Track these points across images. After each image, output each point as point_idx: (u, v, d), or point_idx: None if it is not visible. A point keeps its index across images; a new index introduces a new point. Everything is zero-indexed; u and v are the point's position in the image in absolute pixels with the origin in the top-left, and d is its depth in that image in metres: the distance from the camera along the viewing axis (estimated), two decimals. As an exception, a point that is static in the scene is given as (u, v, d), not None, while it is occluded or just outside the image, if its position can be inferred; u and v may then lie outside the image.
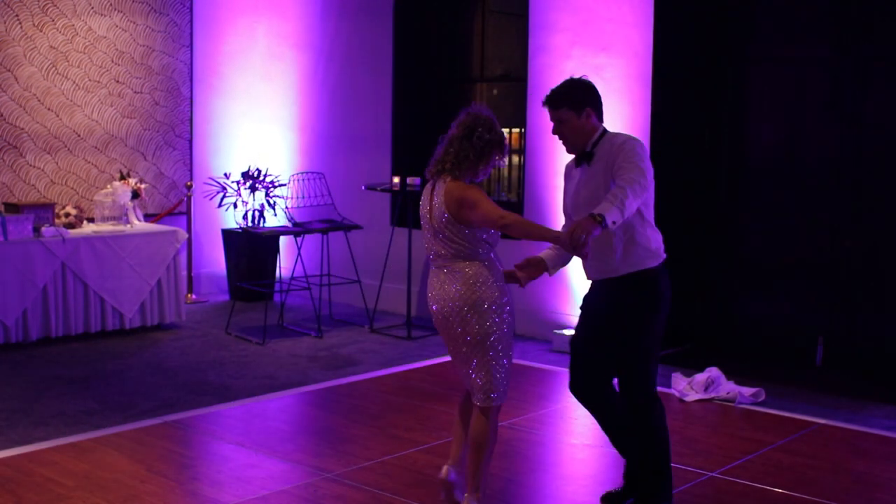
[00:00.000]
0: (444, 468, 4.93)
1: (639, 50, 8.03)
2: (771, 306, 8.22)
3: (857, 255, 7.76)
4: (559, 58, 8.44)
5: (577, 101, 4.82)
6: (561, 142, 4.90)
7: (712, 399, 6.97)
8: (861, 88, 7.69)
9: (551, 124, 4.89)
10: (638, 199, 4.50)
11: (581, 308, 4.99)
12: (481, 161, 4.72)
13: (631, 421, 4.91)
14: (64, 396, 6.86)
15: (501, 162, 4.83)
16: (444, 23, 9.72)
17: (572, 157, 4.93)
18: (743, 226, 8.36)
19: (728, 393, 6.97)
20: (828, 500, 5.26)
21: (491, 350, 4.68)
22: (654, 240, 4.86)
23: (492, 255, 4.76)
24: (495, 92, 9.68)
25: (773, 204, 8.18)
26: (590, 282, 4.94)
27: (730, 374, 7.18)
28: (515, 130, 9.32)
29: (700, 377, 7.09)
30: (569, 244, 4.28)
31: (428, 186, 4.88)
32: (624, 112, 8.09)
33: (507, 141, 4.82)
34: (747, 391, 6.98)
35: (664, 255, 4.88)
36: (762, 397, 6.98)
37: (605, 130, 4.88)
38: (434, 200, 4.74)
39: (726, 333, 8.41)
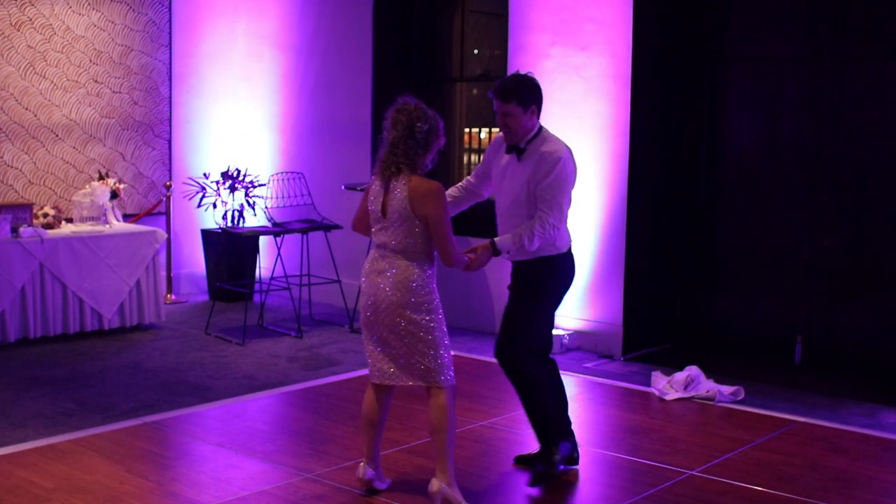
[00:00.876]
0: (361, 466, 5.23)
1: (618, 49, 8.04)
2: (750, 305, 8.26)
3: (836, 254, 7.80)
4: (539, 57, 8.45)
5: (526, 97, 5.16)
6: (501, 131, 5.27)
7: (692, 398, 6.99)
8: (838, 87, 7.73)
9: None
10: (545, 238, 5.15)
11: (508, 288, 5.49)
12: (428, 152, 4.96)
13: (547, 387, 5.47)
14: (42, 398, 6.83)
15: (441, 143, 5.04)
16: (424, 22, 9.72)
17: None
18: (722, 224, 8.39)
19: (707, 391, 6.99)
20: (806, 497, 5.28)
21: (430, 336, 4.99)
22: (561, 239, 5.31)
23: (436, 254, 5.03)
24: (475, 92, 9.69)
25: (751, 203, 8.21)
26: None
27: (709, 373, 7.21)
28: (495, 130, 9.32)
29: (679, 376, 7.11)
30: (464, 269, 5.19)
31: (377, 185, 5.05)
32: (603, 111, 8.11)
33: (441, 121, 5.02)
34: (726, 390, 7.00)
35: (567, 248, 5.37)
36: (741, 396, 7.01)
37: (540, 128, 5.27)
38: (392, 194, 4.93)
39: (705, 332, 8.44)
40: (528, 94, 5.18)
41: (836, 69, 7.74)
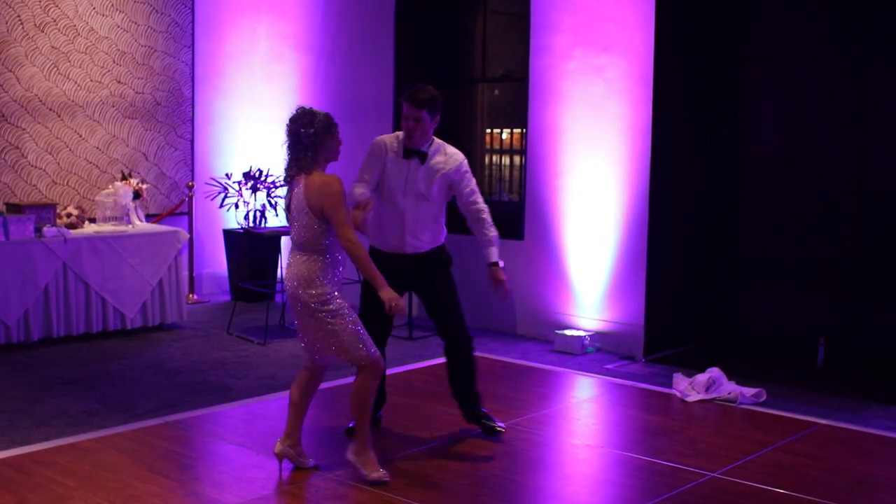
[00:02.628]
0: (278, 443, 5.48)
1: (640, 50, 8.03)
2: (772, 306, 8.22)
3: (859, 255, 7.76)
4: (561, 58, 8.44)
5: (436, 108, 5.83)
6: (407, 135, 5.84)
7: (713, 399, 6.96)
8: (862, 87, 7.70)
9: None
10: None
11: None
12: (320, 150, 5.37)
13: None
14: (65, 397, 6.86)
15: (336, 141, 5.52)
16: (446, 23, 9.72)
17: (388, 137, 6.00)
18: (744, 225, 8.36)
19: (729, 393, 6.97)
20: (829, 500, 5.25)
21: (326, 324, 5.26)
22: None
23: (336, 250, 5.33)
24: (497, 92, 9.68)
25: (774, 204, 8.18)
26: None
27: (731, 375, 7.18)
28: (517, 131, 9.32)
29: (701, 378, 7.09)
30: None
31: (290, 186, 5.41)
32: (625, 112, 8.10)
33: (332, 118, 5.48)
34: (748, 391, 6.98)
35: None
36: (763, 398, 6.98)
37: (433, 138, 5.93)
38: (294, 191, 5.30)
39: (727, 334, 8.41)
40: (437, 105, 5.83)
41: (859, 70, 7.70)
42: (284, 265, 5.52)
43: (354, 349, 5.29)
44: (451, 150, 5.98)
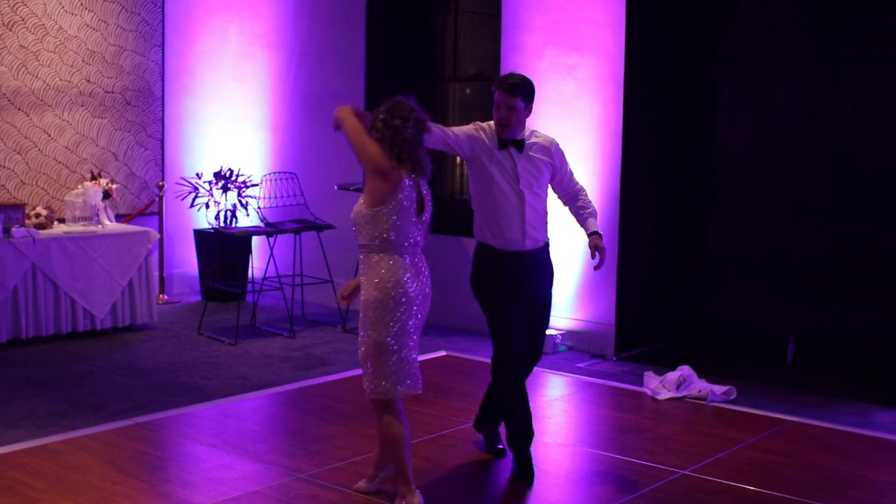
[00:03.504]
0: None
1: (611, 50, 8.05)
2: (742, 305, 8.27)
3: (829, 254, 7.81)
4: (532, 57, 8.45)
5: (530, 96, 5.52)
6: (501, 124, 5.49)
7: (684, 397, 7.00)
8: (832, 88, 7.75)
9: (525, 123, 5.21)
10: None
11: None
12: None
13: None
14: (34, 398, 6.81)
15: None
16: (417, 23, 9.72)
17: (478, 133, 5.56)
18: (714, 225, 8.40)
19: (700, 391, 7.00)
20: (799, 497, 5.29)
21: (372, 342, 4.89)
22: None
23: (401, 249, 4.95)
24: (468, 91, 9.69)
25: (745, 203, 8.22)
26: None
27: (701, 373, 7.22)
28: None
29: (672, 376, 7.12)
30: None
31: (408, 183, 4.96)
32: (596, 111, 8.12)
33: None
34: (719, 389, 7.01)
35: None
36: (734, 395, 7.02)
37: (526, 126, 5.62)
38: (422, 192, 4.98)
39: (698, 332, 8.45)
40: (531, 92, 5.52)
41: (829, 70, 7.75)
42: (416, 273, 4.99)
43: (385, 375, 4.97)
44: (544, 135, 5.67)
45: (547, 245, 5.67)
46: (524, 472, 5.49)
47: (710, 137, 8.37)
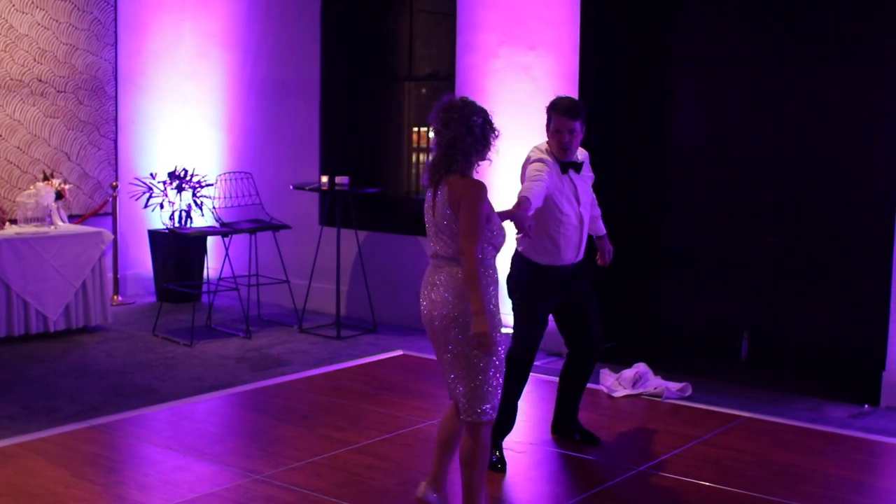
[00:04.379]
0: (422, 486, 4.82)
1: (566, 49, 8.08)
2: (697, 302, 8.33)
3: (781, 251, 7.90)
4: (487, 57, 8.47)
5: (585, 118, 5.66)
6: (563, 148, 5.58)
7: (640, 394, 7.04)
8: (782, 87, 7.82)
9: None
10: None
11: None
12: (487, 148, 4.59)
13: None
14: (-14, 401, 6.74)
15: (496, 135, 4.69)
16: (372, 22, 9.71)
17: (537, 158, 5.60)
18: (669, 223, 8.46)
19: (655, 388, 7.05)
20: (753, 492, 5.34)
21: (476, 359, 4.45)
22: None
23: (492, 261, 4.57)
24: (423, 91, 9.69)
25: (698, 201, 8.29)
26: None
27: (657, 370, 7.27)
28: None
29: (628, 373, 7.16)
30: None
31: (428, 194, 4.62)
32: (551, 111, 8.13)
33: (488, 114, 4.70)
34: (674, 386, 7.06)
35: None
36: (689, 392, 7.07)
37: None
38: (437, 198, 4.51)
39: (654, 329, 8.51)
40: (585, 113, 5.67)
41: (780, 69, 7.83)
42: (424, 284, 4.62)
43: (488, 396, 4.50)
44: (583, 151, 5.82)
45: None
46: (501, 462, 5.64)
47: (665, 136, 8.43)
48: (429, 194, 4.59)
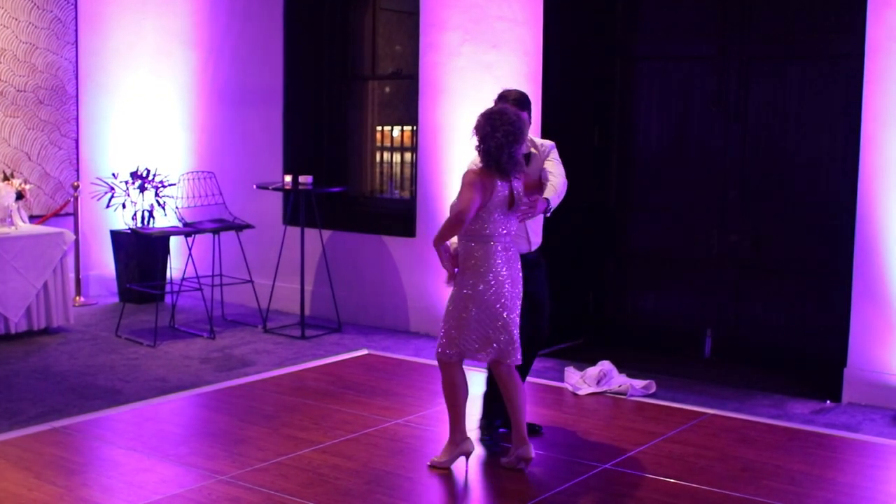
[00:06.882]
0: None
1: (529, 48, 8.09)
2: (661, 300, 8.38)
3: (744, 249, 7.95)
4: (450, 55, 8.47)
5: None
6: None
7: (604, 392, 7.07)
8: (744, 86, 7.88)
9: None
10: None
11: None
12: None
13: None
14: (-54, 404, 6.67)
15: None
16: (335, 20, 9.68)
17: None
18: (633, 221, 8.49)
19: (620, 386, 7.08)
20: (716, 488, 5.37)
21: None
22: None
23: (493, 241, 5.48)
24: (387, 89, 9.67)
25: (662, 199, 8.33)
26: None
27: (621, 368, 7.30)
28: (408, 128, 9.33)
29: (592, 371, 7.19)
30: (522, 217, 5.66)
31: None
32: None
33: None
34: (638, 384, 7.09)
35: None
36: (653, 389, 7.10)
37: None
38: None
39: (618, 327, 8.54)
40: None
41: (741, 68, 7.88)
42: (506, 262, 5.51)
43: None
44: (548, 142, 6.01)
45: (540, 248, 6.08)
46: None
47: (627, 134, 8.47)
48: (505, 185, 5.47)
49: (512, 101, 5.81)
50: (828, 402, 7.00)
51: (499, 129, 5.39)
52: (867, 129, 6.84)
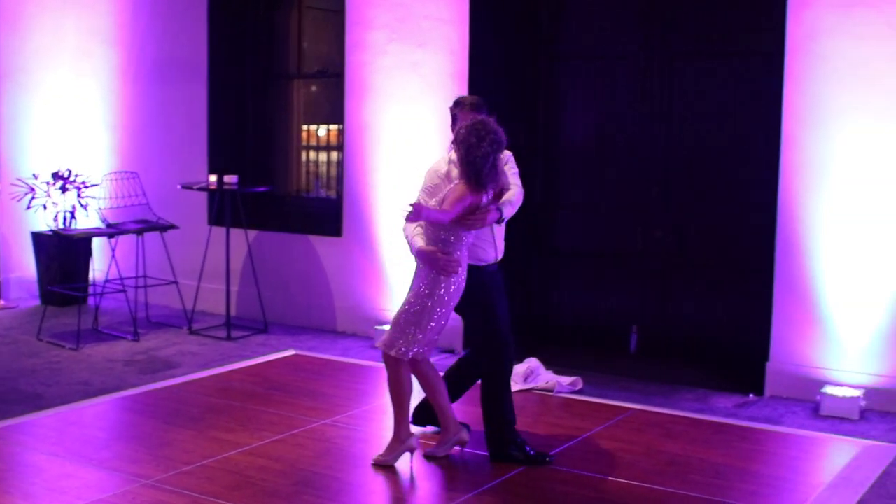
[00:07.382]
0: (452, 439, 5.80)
1: (455, 46, 8.11)
2: (586, 297, 8.43)
3: (667, 245, 8.04)
4: (376, 54, 8.45)
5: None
6: None
7: (531, 389, 7.10)
8: (667, 83, 7.96)
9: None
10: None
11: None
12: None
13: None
14: None
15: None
16: (260, 18, 9.61)
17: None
18: (558, 218, 8.54)
19: (547, 383, 7.12)
20: (643, 482, 5.43)
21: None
22: None
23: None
24: (313, 88, 9.63)
25: (587, 196, 8.39)
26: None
27: (548, 365, 7.34)
28: (333, 127, 9.30)
29: (519, 368, 7.21)
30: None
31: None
32: (441, 107, 8.14)
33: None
34: (565, 380, 7.14)
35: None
36: (580, 386, 7.15)
37: None
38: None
39: (544, 324, 8.58)
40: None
41: (664, 65, 7.97)
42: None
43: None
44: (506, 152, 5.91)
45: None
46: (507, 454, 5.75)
47: (552, 133, 8.51)
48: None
49: (468, 106, 5.83)
50: (751, 395, 7.10)
51: (485, 138, 5.40)
52: (787, 127, 6.96)
